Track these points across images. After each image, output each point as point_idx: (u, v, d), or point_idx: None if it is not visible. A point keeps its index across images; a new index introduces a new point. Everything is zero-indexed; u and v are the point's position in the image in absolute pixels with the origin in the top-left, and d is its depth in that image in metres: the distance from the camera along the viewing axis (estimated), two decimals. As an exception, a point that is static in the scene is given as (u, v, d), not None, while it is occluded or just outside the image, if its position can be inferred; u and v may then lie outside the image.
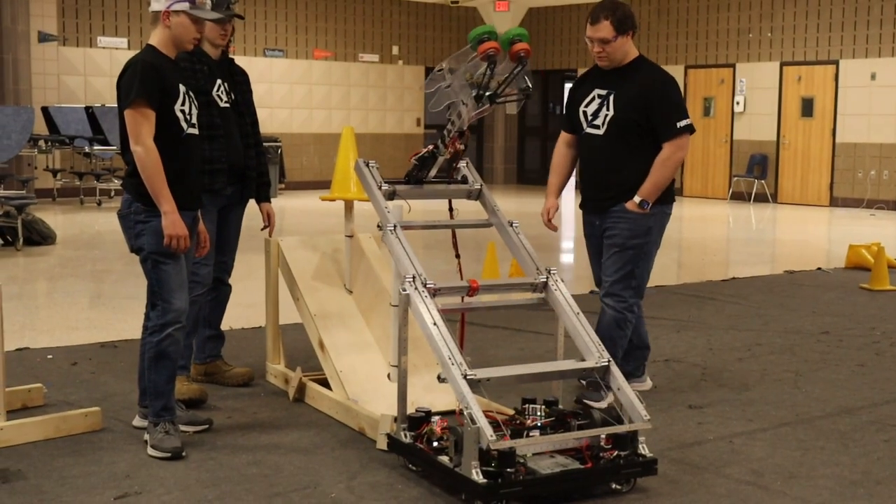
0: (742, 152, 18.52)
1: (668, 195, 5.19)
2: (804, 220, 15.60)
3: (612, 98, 5.06)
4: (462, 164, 4.65)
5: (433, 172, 4.57)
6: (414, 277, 4.05)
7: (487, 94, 4.27)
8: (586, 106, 5.16)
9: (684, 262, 11.01)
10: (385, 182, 4.49)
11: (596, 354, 4.16)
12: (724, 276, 9.65)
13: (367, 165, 4.53)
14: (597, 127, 5.11)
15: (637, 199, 5.03)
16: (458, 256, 4.75)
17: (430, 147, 4.51)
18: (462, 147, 4.48)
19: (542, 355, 4.51)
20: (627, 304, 5.13)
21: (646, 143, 5.04)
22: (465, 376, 3.81)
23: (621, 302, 5.12)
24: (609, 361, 4.14)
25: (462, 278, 4.41)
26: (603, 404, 5.06)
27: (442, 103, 4.36)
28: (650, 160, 5.03)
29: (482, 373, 3.91)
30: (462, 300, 4.40)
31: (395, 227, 4.28)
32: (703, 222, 15.32)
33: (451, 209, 4.78)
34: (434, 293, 4.09)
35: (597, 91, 5.12)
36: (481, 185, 4.66)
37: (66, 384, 5.35)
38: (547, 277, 4.35)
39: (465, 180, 4.68)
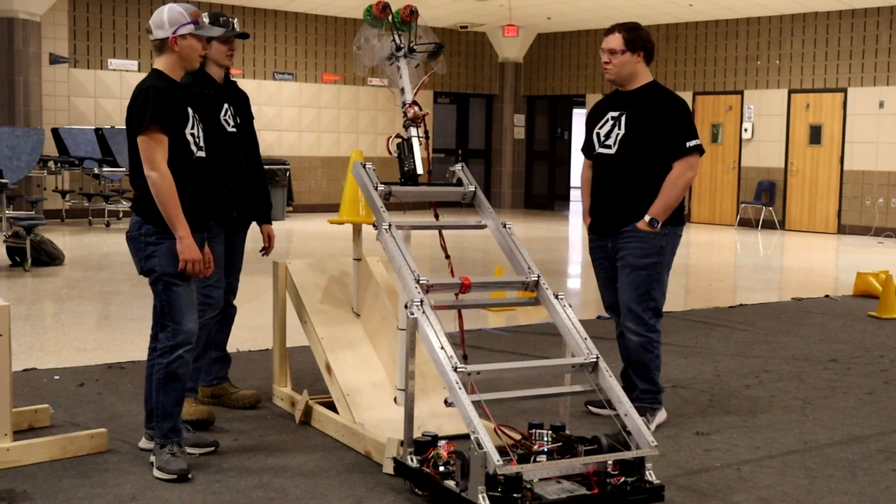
0: (750, 179, 18.53)
1: (679, 217, 5.25)
2: (812, 247, 15.58)
3: (624, 118, 5.19)
4: (458, 167, 4.79)
5: (418, 153, 4.71)
6: (422, 301, 4.07)
7: (403, 48, 4.78)
8: (600, 128, 5.30)
9: (692, 288, 10.99)
10: (381, 183, 4.57)
11: (585, 351, 4.18)
12: (732, 302, 9.63)
13: (364, 167, 4.63)
14: (608, 147, 5.22)
15: (647, 217, 5.10)
16: (447, 257, 4.78)
17: (396, 135, 4.79)
18: (420, 110, 4.75)
19: (550, 380, 4.50)
20: (648, 325, 5.18)
21: (656, 163, 5.12)
22: (454, 369, 3.84)
23: (642, 324, 5.17)
24: (598, 358, 4.17)
25: (454, 276, 4.49)
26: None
27: (373, 64, 4.91)
28: (660, 180, 5.10)
29: (472, 367, 3.95)
30: (456, 297, 4.46)
31: (389, 225, 4.36)
32: (711, 248, 15.30)
33: (436, 215, 4.90)
34: (427, 289, 4.16)
35: (610, 113, 5.27)
36: (475, 188, 4.76)
37: (72, 405, 5.35)
38: (539, 276, 4.43)
39: (459, 183, 4.75)
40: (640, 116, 5.15)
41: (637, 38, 5.20)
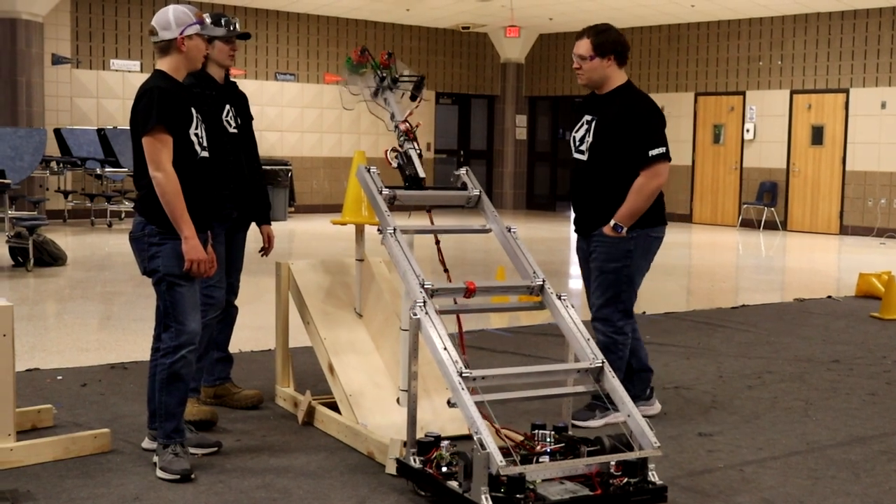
0: (752, 180, 18.53)
1: (655, 218, 5.26)
2: (814, 247, 15.57)
3: (594, 124, 5.22)
4: (462, 171, 4.85)
5: (417, 160, 4.81)
6: (424, 302, 4.07)
7: (386, 82, 4.96)
8: (576, 132, 5.35)
9: (694, 289, 10.99)
10: (386, 187, 4.59)
11: (591, 356, 4.19)
12: (734, 303, 9.63)
13: (369, 171, 4.65)
14: (582, 153, 5.28)
15: (612, 222, 5.13)
16: (446, 271, 4.81)
17: (392, 148, 4.91)
18: (410, 124, 4.90)
19: (553, 381, 4.50)
20: (616, 327, 5.21)
21: (626, 168, 5.13)
22: (460, 374, 3.85)
23: (609, 325, 5.21)
24: (603, 363, 4.19)
25: (455, 302, 4.53)
26: (594, 423, 5.10)
27: (360, 100, 5.13)
28: (629, 186, 5.11)
29: (477, 373, 3.95)
30: (454, 302, 4.50)
31: (394, 230, 4.37)
32: (713, 249, 15.30)
33: (431, 221, 4.91)
34: (432, 294, 4.16)
35: (585, 117, 5.31)
36: (480, 192, 4.79)
37: (75, 405, 5.35)
38: (543, 280, 4.44)
39: (464, 187, 4.77)
40: (608, 123, 5.16)
41: (605, 41, 5.18)
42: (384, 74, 4.98)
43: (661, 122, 5.19)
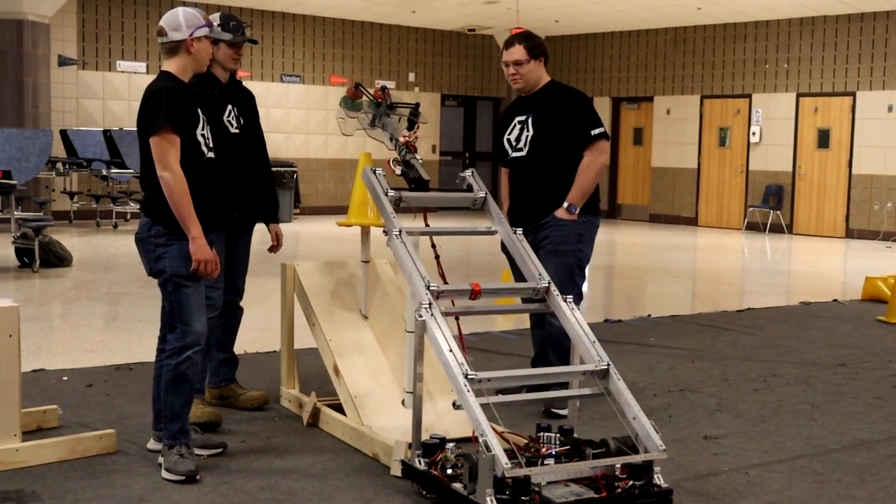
0: (757, 183, 18.50)
1: (595, 206, 5.50)
2: (819, 251, 15.55)
3: (531, 120, 5.45)
4: (468, 173, 4.90)
5: (419, 166, 4.86)
6: (430, 304, 4.07)
7: (382, 108, 5.05)
8: (509, 134, 5.56)
9: (699, 292, 10.97)
10: (391, 189, 4.61)
11: (596, 358, 4.20)
12: (739, 306, 9.61)
13: (374, 173, 4.69)
14: (520, 150, 5.49)
15: (565, 204, 5.34)
16: (445, 284, 4.82)
17: (394, 159, 4.95)
18: (408, 137, 4.97)
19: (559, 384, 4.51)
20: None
21: (566, 156, 5.36)
22: (465, 376, 3.85)
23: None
24: (609, 364, 4.19)
25: (453, 304, 4.55)
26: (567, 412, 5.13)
27: (359, 128, 5.18)
28: (572, 172, 5.35)
29: (483, 374, 3.95)
30: (453, 303, 4.51)
31: (400, 232, 4.39)
32: (718, 252, 15.28)
33: (426, 223, 4.94)
34: (437, 296, 4.18)
35: (517, 118, 5.54)
36: (486, 194, 4.82)
37: (81, 406, 5.36)
38: (549, 283, 4.49)
39: (470, 188, 4.80)
40: (545, 115, 5.41)
41: (536, 45, 5.52)
42: (379, 102, 5.08)
43: (593, 106, 5.55)
